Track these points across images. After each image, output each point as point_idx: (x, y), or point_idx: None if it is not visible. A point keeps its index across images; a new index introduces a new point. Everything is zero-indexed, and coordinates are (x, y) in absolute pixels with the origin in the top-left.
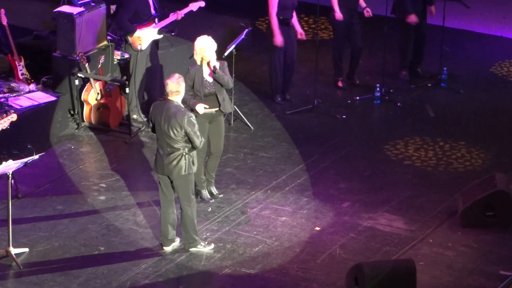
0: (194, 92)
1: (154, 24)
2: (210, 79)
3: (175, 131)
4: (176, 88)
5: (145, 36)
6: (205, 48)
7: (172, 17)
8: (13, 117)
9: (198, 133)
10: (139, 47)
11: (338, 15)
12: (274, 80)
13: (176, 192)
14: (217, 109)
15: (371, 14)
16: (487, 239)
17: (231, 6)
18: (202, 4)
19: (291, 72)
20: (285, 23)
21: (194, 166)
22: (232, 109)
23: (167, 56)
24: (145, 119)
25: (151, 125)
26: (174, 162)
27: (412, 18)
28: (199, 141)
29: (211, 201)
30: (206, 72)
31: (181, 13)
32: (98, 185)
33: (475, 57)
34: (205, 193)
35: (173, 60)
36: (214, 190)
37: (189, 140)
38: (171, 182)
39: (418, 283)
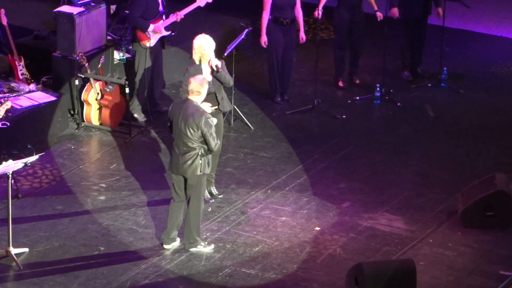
0: None
1: (162, 21)
2: (210, 78)
3: (191, 131)
4: (198, 88)
5: (154, 33)
6: (203, 46)
7: (172, 18)
8: (8, 104)
9: (214, 135)
10: (147, 44)
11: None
12: (272, 80)
13: (188, 191)
14: (216, 107)
15: (382, 18)
16: (487, 239)
17: (231, 6)
18: None
19: (289, 73)
20: (282, 23)
21: (209, 168)
22: (231, 107)
23: (167, 56)
24: (145, 119)
25: (169, 124)
26: (189, 162)
27: (394, 12)
28: (214, 143)
29: (211, 201)
30: (205, 71)
31: (180, 14)
32: (98, 185)
33: (475, 57)
34: (205, 193)
35: (173, 60)
36: (214, 190)
37: (205, 141)
38: (185, 181)
39: (418, 283)
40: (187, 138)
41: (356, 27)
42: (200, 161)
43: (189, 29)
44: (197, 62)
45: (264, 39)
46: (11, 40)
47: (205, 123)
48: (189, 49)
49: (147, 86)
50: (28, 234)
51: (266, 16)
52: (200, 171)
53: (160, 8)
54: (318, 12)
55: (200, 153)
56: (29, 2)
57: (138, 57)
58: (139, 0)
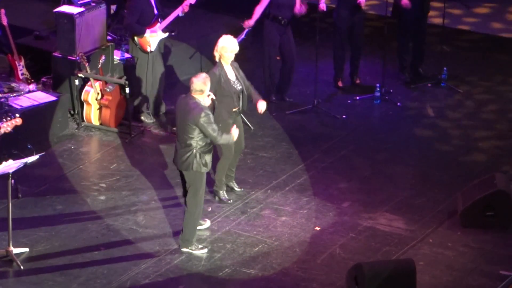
0: (222, 93)
1: (158, 24)
2: (233, 78)
3: (189, 127)
4: (200, 87)
5: (152, 37)
6: (227, 48)
7: (178, 11)
8: (18, 121)
9: (214, 127)
10: (148, 49)
11: (322, 5)
12: (265, 78)
13: (187, 187)
14: (237, 108)
15: (323, 10)
16: (487, 239)
17: (231, 6)
18: None
19: (291, 73)
20: (279, 22)
21: (206, 167)
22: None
23: (167, 56)
24: (152, 121)
25: None
26: (184, 157)
27: (405, 2)
28: (215, 135)
29: (229, 201)
30: (228, 71)
31: (185, 5)
32: (98, 185)
33: (475, 57)
34: (223, 193)
35: (172, 61)
36: (235, 185)
37: (205, 136)
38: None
39: (418, 283)
40: (185, 134)
41: (357, 27)
42: (195, 158)
43: (189, 29)
44: (217, 60)
45: (250, 23)
46: (11, 40)
47: (203, 119)
48: (189, 49)
49: (153, 89)
50: (28, 234)
51: (259, 10)
52: (193, 169)
53: (155, 11)
54: (323, 5)
55: (195, 151)
56: (29, 2)
57: (140, 63)
58: (134, 5)
